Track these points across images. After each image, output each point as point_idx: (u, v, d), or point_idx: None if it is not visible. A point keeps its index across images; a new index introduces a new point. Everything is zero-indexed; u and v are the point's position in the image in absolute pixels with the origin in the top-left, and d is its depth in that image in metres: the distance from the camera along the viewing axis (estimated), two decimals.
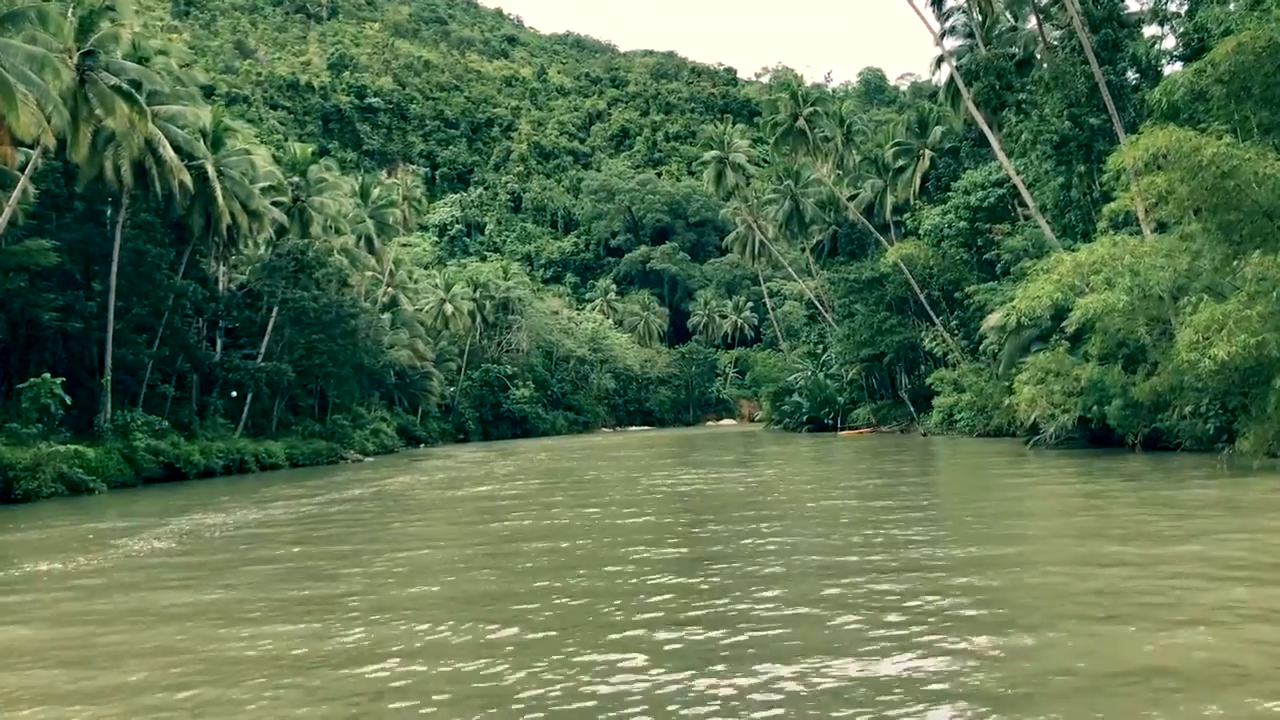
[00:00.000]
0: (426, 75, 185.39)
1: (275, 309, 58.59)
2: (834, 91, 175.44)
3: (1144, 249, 22.93)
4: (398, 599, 12.84)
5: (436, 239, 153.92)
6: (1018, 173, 38.60)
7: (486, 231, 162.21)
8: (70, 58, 37.64)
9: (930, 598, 10.94)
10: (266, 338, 59.45)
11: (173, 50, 44.33)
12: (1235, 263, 22.39)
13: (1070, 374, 31.36)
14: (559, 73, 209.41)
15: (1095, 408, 31.37)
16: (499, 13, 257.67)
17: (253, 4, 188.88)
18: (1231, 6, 27.73)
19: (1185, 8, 32.70)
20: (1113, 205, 24.48)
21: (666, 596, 11.97)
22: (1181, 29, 31.43)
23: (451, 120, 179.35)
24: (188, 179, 43.43)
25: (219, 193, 46.74)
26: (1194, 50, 30.85)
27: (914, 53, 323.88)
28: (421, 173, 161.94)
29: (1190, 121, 23.04)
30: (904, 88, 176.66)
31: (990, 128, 40.09)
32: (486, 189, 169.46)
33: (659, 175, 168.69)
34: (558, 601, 12.01)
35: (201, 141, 47.00)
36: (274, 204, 59.20)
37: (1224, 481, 21.15)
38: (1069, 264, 23.24)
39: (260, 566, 16.37)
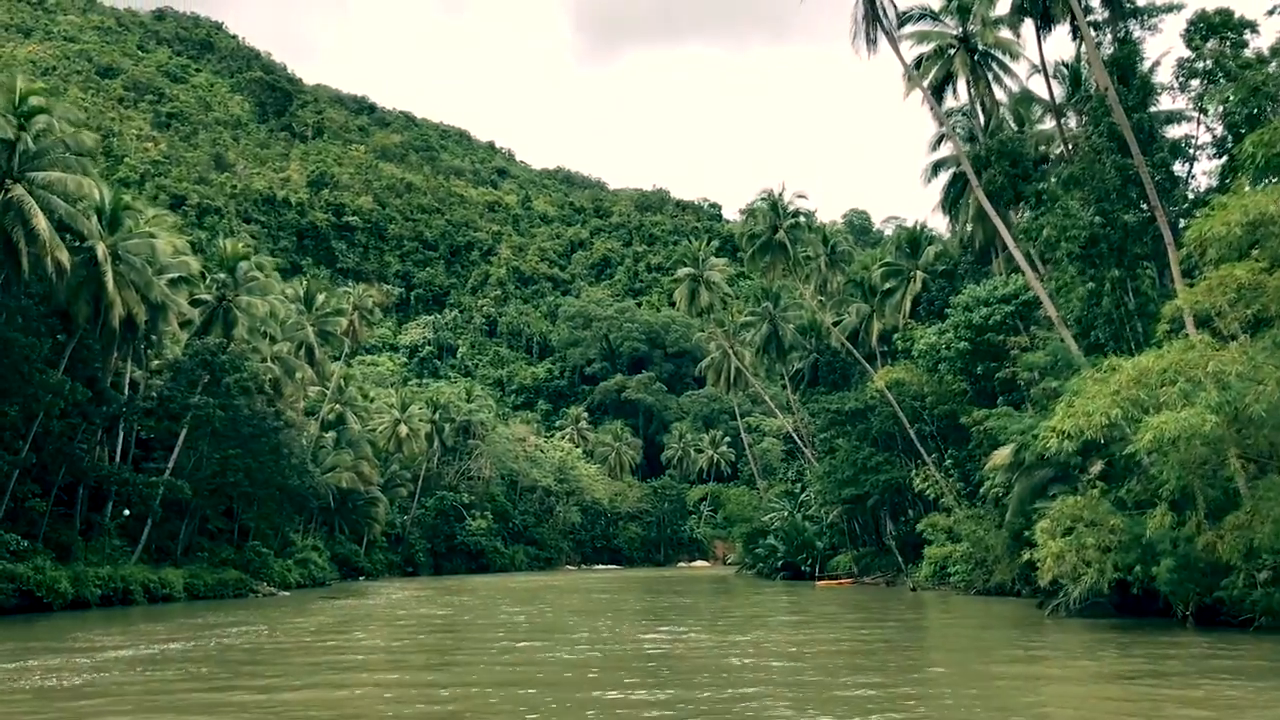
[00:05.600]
0: (408, 196, 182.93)
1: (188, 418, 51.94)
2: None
3: (1229, 356, 16.76)
4: None
5: (406, 360, 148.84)
6: (1036, 279, 32.61)
7: (459, 354, 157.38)
8: None
9: None
10: (177, 450, 52.77)
11: (57, 109, 38.53)
12: None
13: (1106, 524, 24.91)
14: (545, 202, 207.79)
15: (1139, 566, 24.89)
16: (491, 146, 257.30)
17: (236, 120, 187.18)
18: None
19: (1230, 96, 27.56)
20: (1177, 301, 18.50)
21: None
22: (1224, 106, 26.21)
23: (430, 242, 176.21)
24: (65, 258, 37.16)
25: (109, 278, 40.47)
26: (1235, 140, 25.86)
27: (899, 199, 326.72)
28: (396, 292, 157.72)
29: None
30: (889, 231, 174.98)
31: (1003, 224, 34.37)
32: (462, 311, 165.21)
33: (639, 305, 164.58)
34: None
35: (95, 219, 40.94)
36: (194, 301, 53.22)
37: None
38: (1130, 373, 17.11)
39: None
